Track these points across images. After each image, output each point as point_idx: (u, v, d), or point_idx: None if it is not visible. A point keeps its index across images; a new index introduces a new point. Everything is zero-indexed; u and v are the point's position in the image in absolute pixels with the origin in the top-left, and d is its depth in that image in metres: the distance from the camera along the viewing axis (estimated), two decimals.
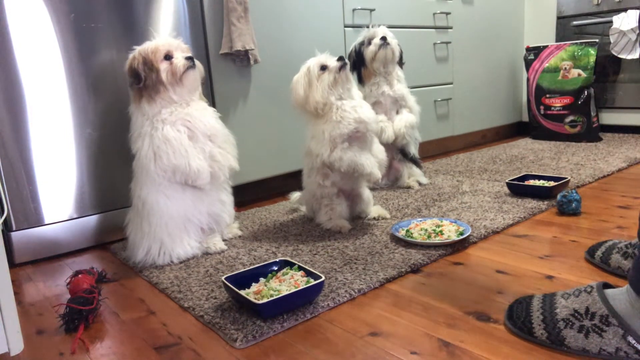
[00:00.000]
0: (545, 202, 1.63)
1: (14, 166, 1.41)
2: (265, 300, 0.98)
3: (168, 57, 1.33)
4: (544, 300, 0.89)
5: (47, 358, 0.93)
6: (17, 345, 0.87)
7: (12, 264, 1.44)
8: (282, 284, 1.06)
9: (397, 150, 2.01)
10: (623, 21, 2.56)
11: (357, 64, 1.96)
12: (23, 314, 1.13)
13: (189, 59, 1.34)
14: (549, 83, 2.83)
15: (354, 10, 2.16)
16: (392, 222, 1.54)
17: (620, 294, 0.80)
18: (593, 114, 2.73)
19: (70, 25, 1.45)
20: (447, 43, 2.62)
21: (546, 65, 2.84)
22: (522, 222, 1.50)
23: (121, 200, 1.59)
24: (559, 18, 2.95)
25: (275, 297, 0.97)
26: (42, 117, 1.44)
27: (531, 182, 1.79)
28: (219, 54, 1.76)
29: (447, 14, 2.59)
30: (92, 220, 1.56)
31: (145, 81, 1.31)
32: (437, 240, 1.31)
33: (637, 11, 1.88)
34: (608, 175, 1.99)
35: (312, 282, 1.04)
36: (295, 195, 1.78)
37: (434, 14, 2.53)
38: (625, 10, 2.61)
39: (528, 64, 2.94)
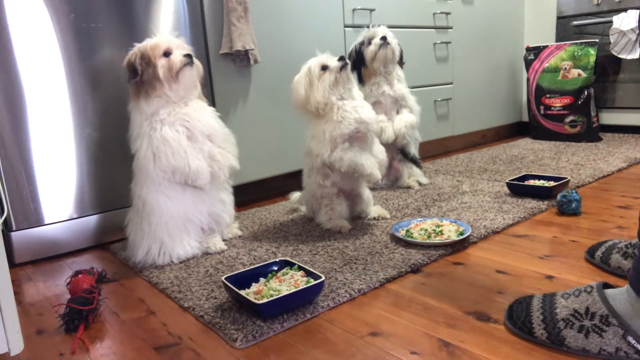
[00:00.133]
0: (545, 202, 1.63)
1: (14, 166, 1.41)
2: (265, 300, 0.98)
3: (167, 54, 1.33)
4: (544, 300, 0.89)
5: (47, 358, 0.93)
6: (17, 345, 0.87)
7: (12, 264, 1.44)
8: (282, 284, 1.06)
9: (397, 150, 2.01)
10: (623, 21, 2.56)
11: (358, 63, 1.96)
12: (23, 314, 1.13)
13: (187, 56, 1.34)
14: (549, 83, 2.83)
15: (354, 10, 2.16)
16: (392, 222, 1.54)
17: (620, 294, 0.80)
18: (593, 114, 2.73)
19: (70, 25, 1.45)
20: (447, 43, 2.62)
21: (546, 65, 2.84)
22: (522, 222, 1.50)
23: (121, 200, 1.59)
24: (559, 18, 2.95)
25: (275, 297, 0.97)
26: (42, 117, 1.44)
27: (531, 182, 1.79)
28: (219, 54, 1.76)
29: (447, 14, 2.59)
30: (92, 220, 1.56)
31: (141, 76, 1.31)
32: (437, 240, 1.31)
33: (637, 11, 1.88)
34: (608, 175, 1.99)
35: (312, 282, 1.04)
36: (295, 195, 1.78)
37: (434, 14, 2.53)
38: (625, 10, 2.61)
39: (528, 64, 2.94)
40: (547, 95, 2.85)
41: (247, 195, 2.01)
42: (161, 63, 1.31)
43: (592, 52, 2.68)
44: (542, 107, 2.89)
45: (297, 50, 1.97)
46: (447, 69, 2.65)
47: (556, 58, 2.80)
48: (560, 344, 0.82)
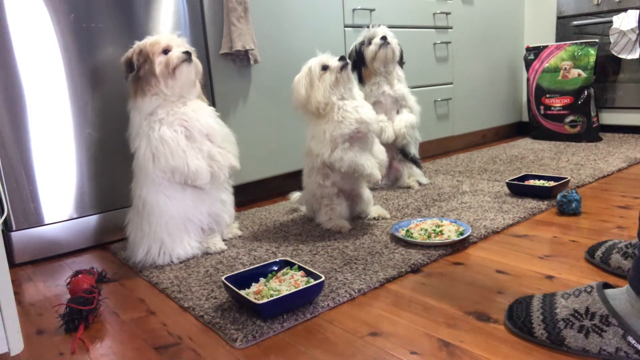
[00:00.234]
0: (545, 202, 1.63)
1: (14, 166, 1.41)
2: (265, 300, 0.98)
3: (167, 51, 1.33)
4: (544, 300, 0.89)
5: (47, 358, 0.93)
6: (17, 345, 0.87)
7: (12, 264, 1.44)
8: (282, 284, 1.06)
9: (397, 150, 2.01)
10: (623, 21, 2.56)
11: (358, 63, 1.96)
12: (23, 314, 1.13)
13: (185, 53, 1.33)
14: (549, 83, 2.83)
15: (354, 10, 2.16)
16: (392, 222, 1.54)
17: (620, 294, 0.80)
18: (593, 114, 2.73)
19: (70, 25, 1.45)
20: (447, 43, 2.62)
21: (546, 65, 2.84)
22: (522, 222, 1.50)
23: (121, 200, 1.59)
24: (559, 18, 2.95)
25: (275, 297, 0.97)
26: (42, 117, 1.44)
27: (531, 182, 1.79)
28: (219, 54, 1.76)
29: (447, 14, 2.59)
30: (92, 220, 1.56)
31: (138, 71, 1.31)
32: (437, 240, 1.31)
33: (637, 11, 1.88)
34: (608, 175, 1.99)
35: (312, 282, 1.04)
36: (295, 195, 1.78)
37: (434, 14, 2.53)
38: (625, 10, 2.61)
39: (528, 64, 2.94)
40: (547, 95, 2.85)
41: (247, 195, 2.01)
42: (159, 60, 1.31)
43: (592, 52, 2.68)
44: (542, 107, 2.89)
45: (297, 50, 1.97)
46: (447, 69, 2.65)
47: (556, 58, 2.80)
48: (560, 344, 0.82)
